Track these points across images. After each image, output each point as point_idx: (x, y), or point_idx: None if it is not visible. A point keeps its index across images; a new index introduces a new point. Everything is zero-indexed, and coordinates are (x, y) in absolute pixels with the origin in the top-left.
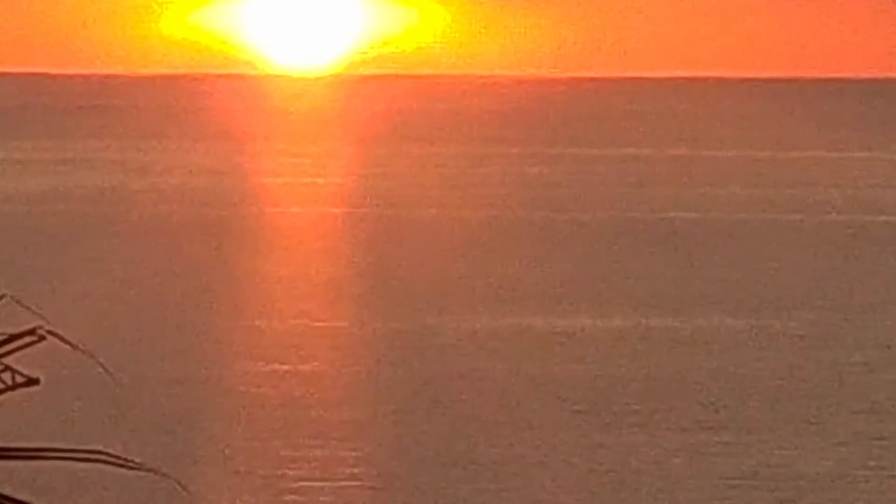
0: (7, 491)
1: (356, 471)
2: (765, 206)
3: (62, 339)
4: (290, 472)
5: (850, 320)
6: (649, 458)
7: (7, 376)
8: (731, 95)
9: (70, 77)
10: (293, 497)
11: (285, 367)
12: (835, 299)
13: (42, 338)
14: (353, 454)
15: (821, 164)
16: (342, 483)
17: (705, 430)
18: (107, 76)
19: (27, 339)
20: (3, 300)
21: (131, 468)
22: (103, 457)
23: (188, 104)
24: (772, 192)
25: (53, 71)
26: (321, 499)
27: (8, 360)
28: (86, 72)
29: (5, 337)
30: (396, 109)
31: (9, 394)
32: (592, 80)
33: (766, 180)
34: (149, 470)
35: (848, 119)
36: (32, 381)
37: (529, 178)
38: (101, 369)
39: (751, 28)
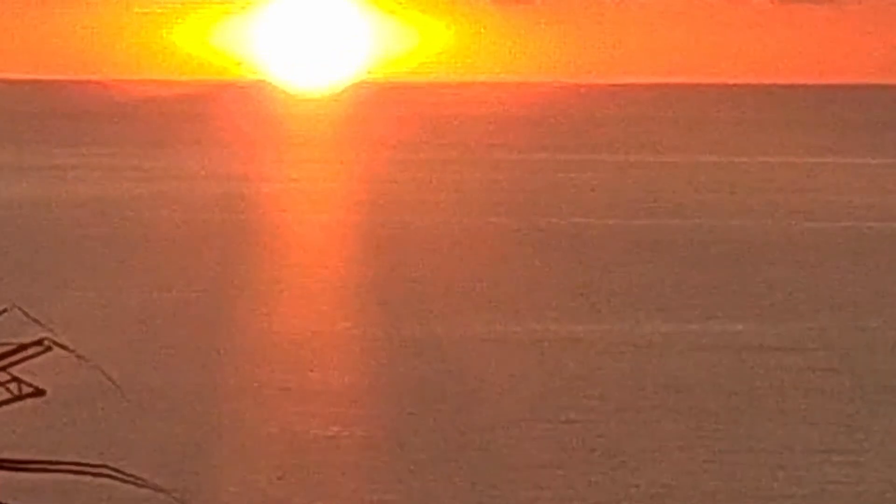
0: (12, 502)
1: (362, 476)
2: (769, 211)
3: (68, 349)
4: (296, 484)
5: (855, 328)
6: (648, 466)
7: (13, 387)
8: (737, 102)
9: (78, 83)
10: None
11: (294, 375)
12: (839, 308)
13: (48, 348)
14: (361, 463)
15: (828, 170)
16: (351, 493)
17: (706, 438)
18: (116, 82)
19: (34, 350)
20: (9, 311)
21: (136, 485)
22: (108, 471)
23: (196, 111)
24: (777, 198)
25: (61, 78)
26: None
27: (14, 371)
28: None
29: (13, 347)
30: (402, 116)
31: (15, 404)
32: (596, 86)
33: (770, 186)
34: (153, 487)
35: (853, 125)
36: (38, 392)
37: (534, 184)
38: (106, 380)
39: (755, 35)
